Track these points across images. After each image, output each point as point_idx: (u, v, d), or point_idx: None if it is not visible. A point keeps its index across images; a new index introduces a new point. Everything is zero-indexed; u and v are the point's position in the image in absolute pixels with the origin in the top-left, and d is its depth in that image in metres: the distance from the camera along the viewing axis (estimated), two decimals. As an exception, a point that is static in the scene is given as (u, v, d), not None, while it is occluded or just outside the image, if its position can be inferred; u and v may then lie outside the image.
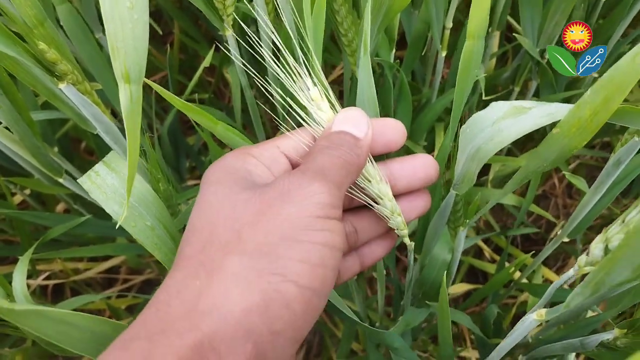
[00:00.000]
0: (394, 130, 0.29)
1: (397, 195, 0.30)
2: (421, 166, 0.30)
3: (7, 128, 0.38)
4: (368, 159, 0.28)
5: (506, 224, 0.77)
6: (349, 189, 0.29)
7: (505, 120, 0.27)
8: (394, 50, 0.44)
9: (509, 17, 0.62)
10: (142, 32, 0.23)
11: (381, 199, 0.29)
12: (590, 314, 0.44)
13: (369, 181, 0.29)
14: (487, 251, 0.72)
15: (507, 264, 0.64)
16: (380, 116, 0.31)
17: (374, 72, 0.32)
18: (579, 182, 0.47)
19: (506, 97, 0.63)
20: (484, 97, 0.50)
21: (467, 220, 0.38)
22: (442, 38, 0.47)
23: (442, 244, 0.45)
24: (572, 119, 0.24)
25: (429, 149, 0.64)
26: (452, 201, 0.35)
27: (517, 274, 0.60)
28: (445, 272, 0.36)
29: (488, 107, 0.27)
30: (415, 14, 0.53)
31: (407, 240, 0.32)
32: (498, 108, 0.27)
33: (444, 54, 0.49)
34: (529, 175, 0.29)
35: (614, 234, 0.27)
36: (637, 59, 0.22)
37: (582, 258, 0.29)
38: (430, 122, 0.55)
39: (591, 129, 0.24)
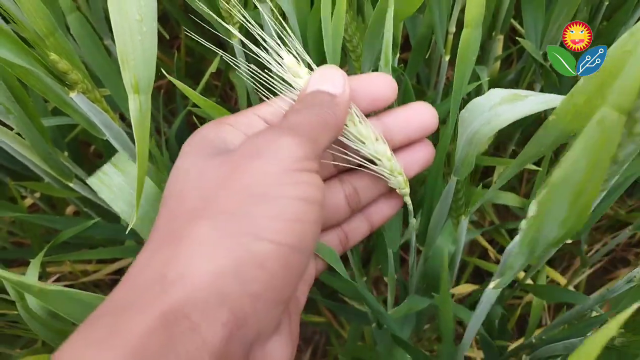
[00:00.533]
0: (382, 85, 0.27)
1: (396, 149, 0.29)
2: (416, 115, 0.29)
3: (18, 134, 0.39)
4: (358, 117, 0.27)
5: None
6: (344, 151, 0.28)
7: (502, 106, 0.28)
8: (397, 54, 0.44)
9: (512, 21, 0.62)
10: (150, 44, 0.24)
11: (379, 159, 0.28)
12: (594, 314, 0.44)
13: (363, 142, 0.27)
14: (492, 252, 0.72)
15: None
16: None
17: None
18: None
19: (510, 99, 0.63)
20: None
21: (469, 209, 0.38)
22: (445, 42, 0.48)
23: (446, 235, 0.45)
24: (567, 105, 0.25)
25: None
26: (454, 188, 0.35)
27: (522, 274, 0.61)
28: (447, 260, 0.37)
29: (486, 93, 0.28)
30: (419, 18, 0.53)
31: (407, 200, 0.31)
32: (496, 94, 0.28)
33: (447, 58, 0.49)
34: (527, 161, 0.30)
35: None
36: (628, 46, 0.22)
37: (524, 222, 0.29)
38: (434, 124, 0.56)
39: (586, 115, 0.25)
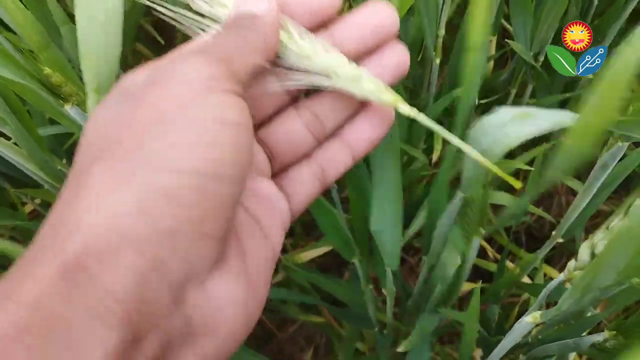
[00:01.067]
0: None
1: (361, 61, 0.25)
2: (369, 15, 0.25)
3: (15, 143, 0.39)
4: (297, 32, 0.24)
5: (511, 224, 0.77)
6: (287, 76, 0.25)
7: (511, 125, 0.27)
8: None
9: (504, 21, 0.63)
10: (114, 46, 0.24)
11: (334, 72, 0.24)
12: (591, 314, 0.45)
13: (309, 58, 0.24)
14: (490, 251, 0.73)
15: (510, 263, 0.65)
16: None
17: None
18: (574, 183, 0.48)
19: (503, 99, 0.64)
20: (480, 101, 0.51)
21: (482, 229, 0.38)
22: (435, 46, 0.48)
23: (451, 248, 0.44)
24: (582, 126, 0.24)
25: (429, 152, 0.64)
26: (459, 203, 0.35)
27: (518, 271, 0.61)
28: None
29: (494, 112, 0.27)
30: (410, 20, 0.54)
31: (402, 108, 0.25)
32: (504, 113, 0.27)
33: (438, 60, 0.49)
34: (543, 186, 0.30)
35: (599, 240, 0.28)
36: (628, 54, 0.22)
37: (572, 263, 0.31)
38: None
39: (597, 128, 0.24)
